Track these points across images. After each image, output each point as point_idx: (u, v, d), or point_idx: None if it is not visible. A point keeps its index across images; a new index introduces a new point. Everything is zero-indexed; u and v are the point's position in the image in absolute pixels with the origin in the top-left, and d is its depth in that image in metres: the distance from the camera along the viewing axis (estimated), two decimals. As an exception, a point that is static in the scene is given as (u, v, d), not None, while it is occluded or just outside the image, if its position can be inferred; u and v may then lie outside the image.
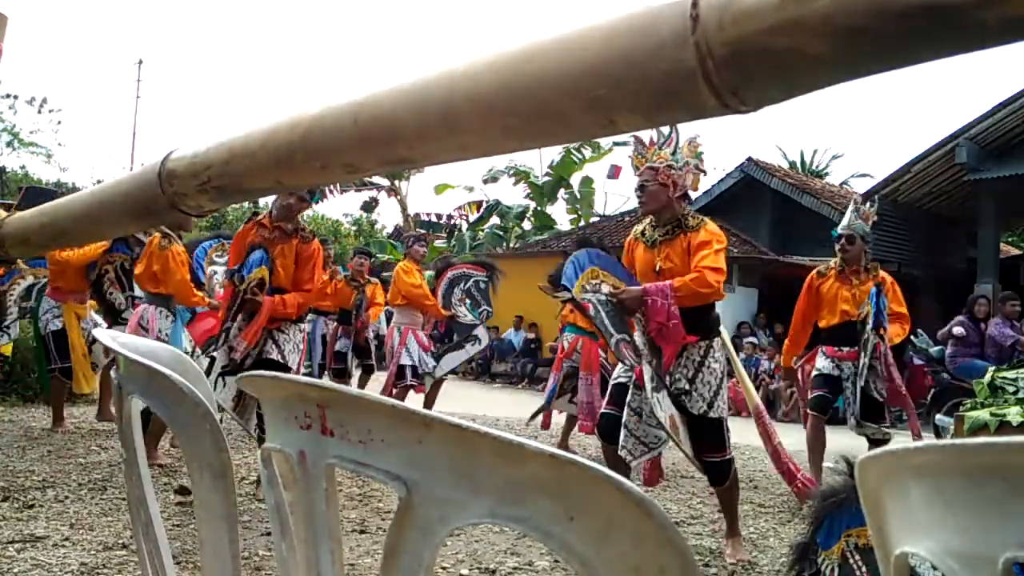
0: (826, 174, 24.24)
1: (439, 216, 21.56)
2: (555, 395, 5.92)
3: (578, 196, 19.22)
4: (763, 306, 12.89)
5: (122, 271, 5.38)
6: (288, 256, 4.04)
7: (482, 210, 20.77)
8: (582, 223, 18.31)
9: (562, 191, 19.40)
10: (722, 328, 3.42)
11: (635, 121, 0.61)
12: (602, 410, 3.45)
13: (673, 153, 3.25)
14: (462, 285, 6.61)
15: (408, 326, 6.36)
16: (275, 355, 3.99)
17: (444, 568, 2.96)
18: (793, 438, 7.86)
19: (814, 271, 4.78)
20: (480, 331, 6.66)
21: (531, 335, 14.12)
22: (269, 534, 3.03)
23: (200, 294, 4.96)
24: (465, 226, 21.33)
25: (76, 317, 5.57)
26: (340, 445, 0.57)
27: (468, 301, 6.59)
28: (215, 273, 5.41)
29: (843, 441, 4.83)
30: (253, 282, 3.90)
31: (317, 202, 17.25)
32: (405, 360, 6.23)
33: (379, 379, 6.91)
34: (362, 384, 7.18)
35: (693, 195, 3.53)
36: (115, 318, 5.42)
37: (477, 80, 0.66)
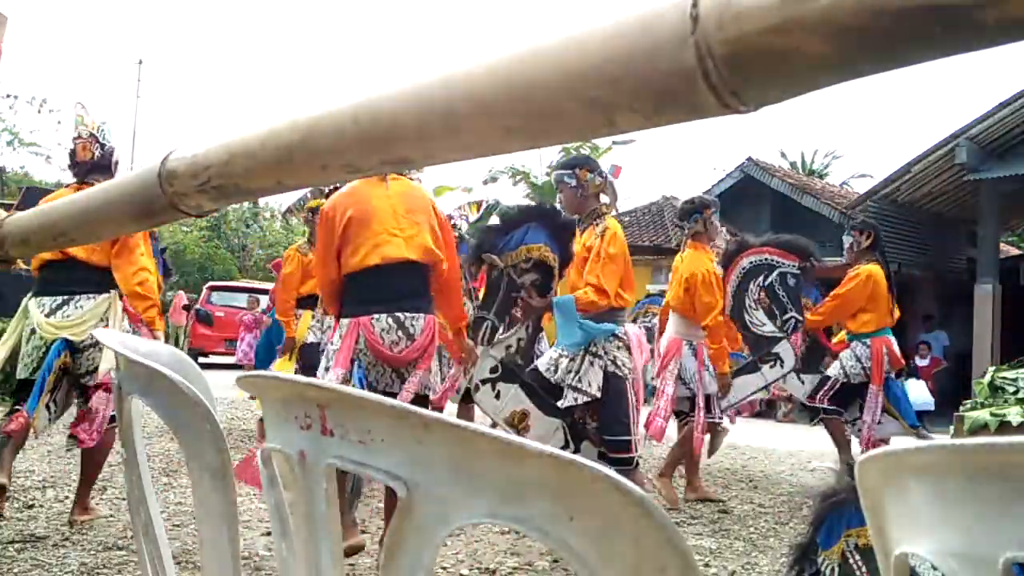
0: (826, 174, 24.25)
1: (439, 216, 21.55)
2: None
3: (578, 196, 19.21)
4: (763, 306, 12.85)
5: None
6: None
7: (482, 210, 20.76)
8: (582, 223, 18.29)
9: (562, 191, 19.37)
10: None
11: (635, 121, 0.61)
12: None
13: None
14: (761, 279, 4.67)
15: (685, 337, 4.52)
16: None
17: (444, 568, 2.96)
18: (792, 438, 7.86)
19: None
20: (784, 348, 4.64)
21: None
22: (269, 534, 3.03)
23: None
24: (465, 226, 21.31)
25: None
26: (340, 445, 0.57)
27: (770, 303, 4.66)
28: None
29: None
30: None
31: None
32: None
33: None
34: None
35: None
36: None
37: (477, 81, 0.66)
